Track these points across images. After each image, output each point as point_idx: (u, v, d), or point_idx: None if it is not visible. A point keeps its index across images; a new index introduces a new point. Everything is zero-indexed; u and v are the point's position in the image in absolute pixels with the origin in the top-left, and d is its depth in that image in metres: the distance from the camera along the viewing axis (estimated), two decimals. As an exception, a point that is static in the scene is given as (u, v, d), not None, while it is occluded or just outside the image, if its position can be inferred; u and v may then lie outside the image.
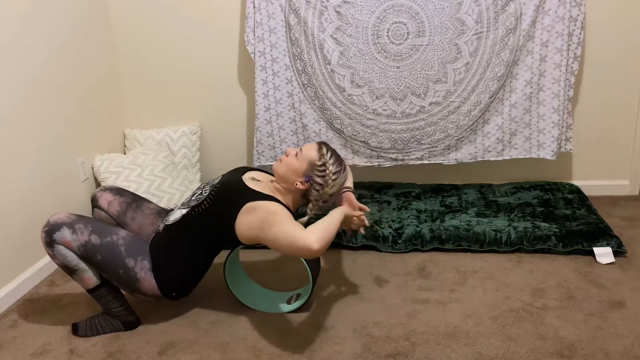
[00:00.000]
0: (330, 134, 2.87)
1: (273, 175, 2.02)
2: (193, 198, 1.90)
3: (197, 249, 1.86)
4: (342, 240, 2.46)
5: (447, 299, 2.04)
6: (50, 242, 1.77)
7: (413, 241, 2.43)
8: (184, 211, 1.86)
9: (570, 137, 2.79)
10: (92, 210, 2.12)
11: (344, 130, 2.84)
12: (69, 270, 1.80)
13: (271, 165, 2.94)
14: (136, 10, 2.97)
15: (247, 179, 1.90)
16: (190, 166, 3.05)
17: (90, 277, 1.82)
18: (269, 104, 2.85)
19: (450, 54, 2.66)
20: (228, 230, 1.80)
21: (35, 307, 2.12)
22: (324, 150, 1.87)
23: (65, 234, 1.76)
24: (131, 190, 2.67)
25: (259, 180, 1.93)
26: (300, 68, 2.78)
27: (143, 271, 1.82)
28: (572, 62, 2.67)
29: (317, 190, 1.85)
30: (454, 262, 2.32)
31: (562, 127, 2.74)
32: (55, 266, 2.44)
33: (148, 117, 3.15)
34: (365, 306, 2.01)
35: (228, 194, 1.83)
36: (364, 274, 2.26)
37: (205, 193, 1.86)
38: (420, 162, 2.87)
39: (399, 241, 2.43)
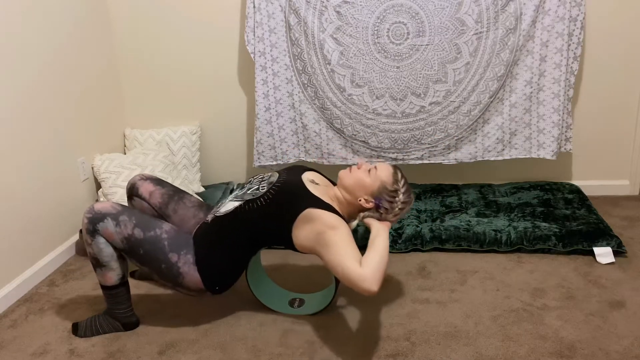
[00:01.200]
0: (331, 133, 2.87)
1: (325, 176, 2.00)
2: (248, 192, 1.85)
3: (243, 243, 1.83)
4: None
5: (447, 299, 2.04)
6: (92, 231, 1.75)
7: (413, 241, 2.43)
8: (237, 204, 1.82)
9: (570, 137, 2.79)
10: (131, 199, 2.07)
11: (344, 130, 2.84)
12: (97, 263, 1.79)
13: (272, 165, 2.94)
14: (136, 10, 2.97)
15: (307, 181, 1.85)
16: (190, 166, 3.05)
17: (112, 276, 1.81)
18: (269, 104, 2.85)
19: (450, 54, 2.66)
20: (282, 232, 1.76)
21: (35, 307, 2.12)
22: (399, 176, 1.83)
23: (108, 225, 1.75)
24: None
25: (317, 184, 1.88)
26: (300, 68, 2.78)
27: (186, 266, 1.79)
28: (572, 62, 2.67)
29: (380, 214, 1.81)
30: (454, 262, 2.32)
31: (562, 127, 2.74)
32: (56, 266, 2.44)
33: (148, 117, 3.15)
34: (365, 306, 2.01)
35: (287, 196, 1.78)
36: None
37: (262, 189, 1.82)
38: (420, 162, 2.87)
39: (399, 241, 2.43)
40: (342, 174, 1.87)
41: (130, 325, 1.92)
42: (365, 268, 1.56)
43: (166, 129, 3.05)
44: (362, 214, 1.82)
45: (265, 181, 1.87)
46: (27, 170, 2.29)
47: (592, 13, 2.71)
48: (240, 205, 1.81)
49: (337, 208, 1.80)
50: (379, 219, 1.80)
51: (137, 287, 2.16)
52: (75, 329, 1.91)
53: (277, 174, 1.89)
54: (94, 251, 1.78)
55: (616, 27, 2.75)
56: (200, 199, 2.10)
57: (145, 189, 2.03)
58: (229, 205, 1.84)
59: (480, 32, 2.62)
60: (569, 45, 2.63)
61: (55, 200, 2.48)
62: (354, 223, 1.81)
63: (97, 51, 2.87)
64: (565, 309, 1.93)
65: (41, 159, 2.39)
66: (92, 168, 2.77)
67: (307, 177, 1.88)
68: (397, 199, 1.79)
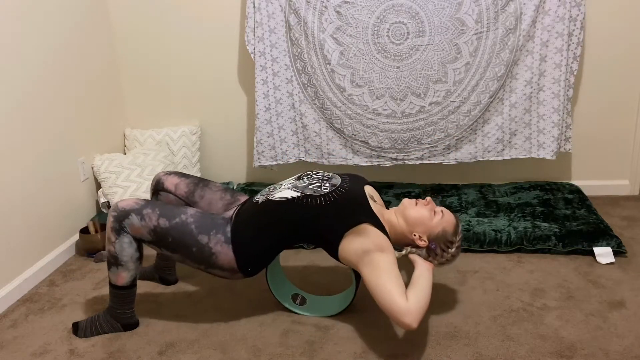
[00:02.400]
0: (331, 133, 2.87)
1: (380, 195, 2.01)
2: (309, 186, 1.82)
3: (288, 233, 1.81)
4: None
5: (447, 299, 2.04)
6: (119, 229, 1.77)
7: (413, 241, 2.42)
8: (295, 194, 1.80)
9: (570, 137, 2.79)
10: (157, 194, 2.08)
11: (344, 130, 2.84)
12: (115, 262, 1.80)
13: (272, 165, 2.94)
14: (136, 10, 2.97)
15: (368, 195, 1.85)
16: (190, 166, 3.05)
17: (126, 277, 1.82)
18: (269, 104, 2.85)
19: (450, 54, 2.66)
20: (331, 237, 1.75)
21: (35, 307, 2.12)
22: (459, 230, 1.85)
23: (133, 220, 1.77)
24: (131, 190, 2.67)
25: (375, 201, 1.88)
26: (300, 68, 2.78)
27: (219, 245, 1.79)
28: (572, 62, 2.67)
29: (428, 255, 1.81)
30: (454, 262, 2.32)
31: (562, 127, 2.75)
32: (56, 266, 2.44)
33: (148, 117, 3.15)
34: (365, 306, 2.01)
35: (349, 204, 1.76)
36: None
37: (324, 189, 1.80)
38: (420, 162, 2.87)
39: (399, 241, 2.43)
40: (407, 203, 1.86)
41: (130, 326, 1.92)
42: (411, 304, 1.58)
43: (166, 129, 3.05)
44: (409, 248, 1.83)
45: (328, 181, 1.85)
46: (27, 170, 2.29)
47: (592, 13, 2.71)
48: (298, 197, 1.79)
49: (387, 231, 1.79)
50: (424, 259, 1.81)
51: (137, 287, 2.16)
52: (75, 329, 1.91)
53: (339, 178, 1.88)
54: (116, 249, 1.78)
55: (616, 27, 2.75)
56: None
57: (170, 182, 2.06)
58: (286, 192, 1.83)
59: (480, 32, 2.62)
60: (569, 45, 2.63)
61: (55, 200, 2.48)
62: (399, 254, 1.82)
63: (97, 51, 2.87)
64: (565, 309, 1.93)
65: (41, 159, 2.39)
66: (92, 168, 2.78)
67: (367, 191, 1.88)
68: (450, 250, 1.81)
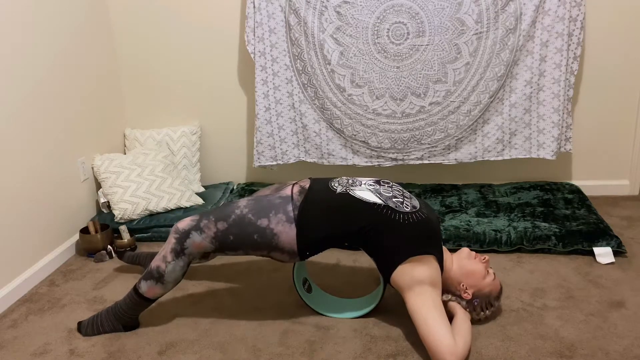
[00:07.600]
0: (331, 133, 2.87)
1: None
2: (392, 199, 1.81)
3: (354, 233, 1.78)
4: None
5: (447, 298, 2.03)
6: (179, 251, 1.78)
7: (413, 241, 2.42)
8: (377, 200, 1.78)
9: (570, 137, 2.79)
10: None
11: (344, 130, 2.84)
12: (158, 278, 1.81)
13: (272, 165, 2.94)
14: (136, 10, 2.97)
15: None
16: (190, 166, 3.05)
17: (157, 293, 1.85)
18: (269, 104, 2.85)
19: (450, 54, 2.66)
20: (394, 255, 1.74)
21: (35, 307, 2.12)
22: (501, 296, 1.88)
23: (194, 238, 1.78)
24: (131, 190, 2.67)
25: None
26: (300, 68, 2.78)
27: (280, 224, 1.77)
28: (572, 62, 2.67)
29: (467, 306, 1.83)
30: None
31: (562, 127, 2.75)
32: (56, 266, 2.44)
33: (148, 117, 3.15)
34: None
35: (426, 233, 1.77)
36: (364, 273, 2.26)
37: (405, 207, 1.80)
38: (420, 162, 2.87)
39: (399, 241, 2.43)
40: (467, 253, 1.87)
41: (131, 327, 1.92)
42: (459, 346, 1.62)
43: (166, 129, 3.05)
44: (451, 296, 1.85)
45: (408, 200, 1.84)
46: (27, 171, 2.29)
47: (592, 13, 2.72)
48: (380, 204, 1.78)
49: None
50: (461, 307, 1.84)
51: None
52: (79, 327, 1.92)
53: (417, 201, 1.87)
54: (167, 268, 1.80)
55: (616, 27, 2.75)
56: None
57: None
58: (367, 194, 1.81)
59: (480, 32, 2.62)
60: (569, 45, 2.64)
61: (55, 201, 2.48)
62: (443, 297, 1.84)
63: (97, 52, 2.87)
64: (565, 309, 1.93)
65: (41, 159, 2.39)
66: (92, 168, 2.78)
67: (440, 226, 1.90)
68: (487, 310, 1.85)
